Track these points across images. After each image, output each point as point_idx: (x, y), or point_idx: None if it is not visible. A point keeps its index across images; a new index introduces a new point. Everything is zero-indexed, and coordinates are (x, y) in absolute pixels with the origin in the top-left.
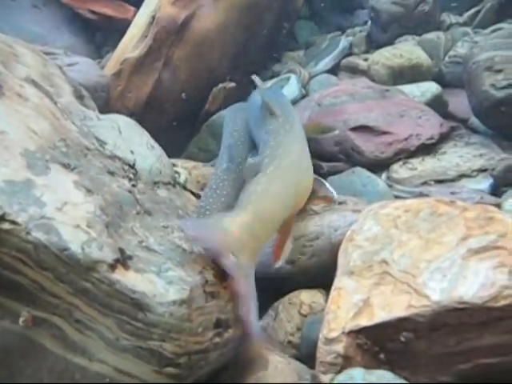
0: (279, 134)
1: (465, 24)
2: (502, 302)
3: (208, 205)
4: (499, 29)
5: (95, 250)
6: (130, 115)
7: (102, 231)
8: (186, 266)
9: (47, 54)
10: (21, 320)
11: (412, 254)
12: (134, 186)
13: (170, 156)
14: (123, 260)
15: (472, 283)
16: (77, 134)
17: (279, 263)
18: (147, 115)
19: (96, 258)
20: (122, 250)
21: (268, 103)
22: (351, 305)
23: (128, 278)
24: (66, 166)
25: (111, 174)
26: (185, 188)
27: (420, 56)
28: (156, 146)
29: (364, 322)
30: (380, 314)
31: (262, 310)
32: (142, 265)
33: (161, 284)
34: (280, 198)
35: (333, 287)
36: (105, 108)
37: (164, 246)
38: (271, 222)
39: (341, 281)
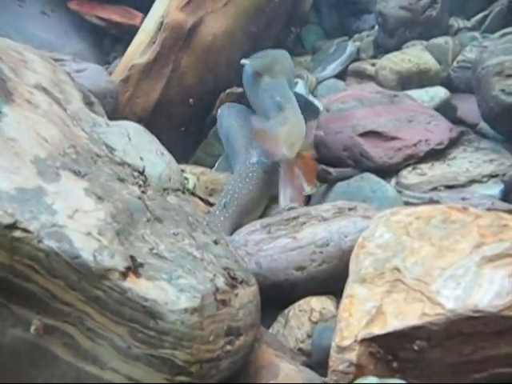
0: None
1: (473, 28)
2: None
3: (236, 191)
4: (508, 33)
5: (106, 257)
6: (139, 121)
7: (113, 239)
8: (196, 274)
9: (56, 60)
10: (32, 328)
11: (424, 261)
12: (143, 192)
13: (178, 161)
14: (134, 268)
15: (487, 291)
16: (87, 140)
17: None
18: (155, 121)
19: (107, 266)
20: (133, 258)
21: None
22: (364, 313)
23: (139, 286)
24: (77, 173)
25: (121, 180)
26: (193, 194)
27: (428, 61)
28: (165, 152)
29: (377, 330)
30: (393, 323)
31: (272, 317)
32: (153, 272)
33: (172, 292)
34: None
35: (344, 294)
36: (113, 114)
37: (175, 253)
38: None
39: (353, 288)
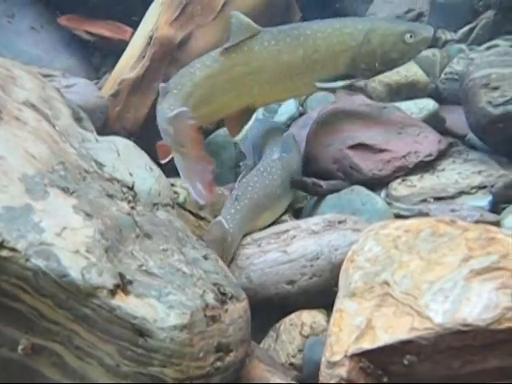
0: None
1: (460, 41)
2: (506, 325)
3: (250, 185)
4: (494, 46)
5: (95, 275)
6: (129, 135)
7: (102, 256)
8: (186, 290)
9: (45, 75)
10: (20, 348)
11: (413, 275)
12: (133, 208)
13: (169, 175)
14: (123, 285)
15: (475, 305)
16: (75, 156)
17: None
18: (145, 135)
19: (96, 284)
20: (121, 275)
21: None
22: (353, 327)
23: (128, 304)
24: (65, 190)
25: (110, 197)
26: (184, 208)
27: (416, 73)
28: (154, 167)
29: (367, 344)
30: (383, 337)
31: (264, 332)
32: (142, 289)
33: (161, 309)
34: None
35: (334, 309)
36: (103, 129)
37: (164, 269)
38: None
39: (342, 303)
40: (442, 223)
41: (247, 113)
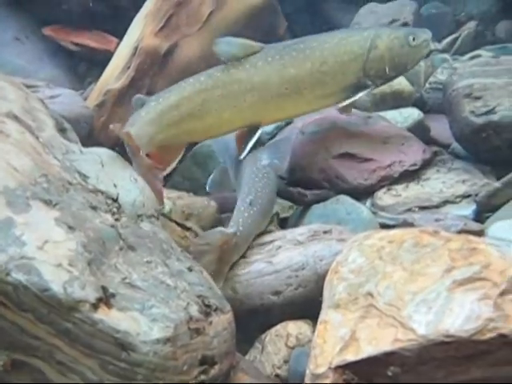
0: None
1: (444, 51)
2: (488, 335)
3: (259, 191)
4: (477, 55)
5: (77, 289)
6: (114, 146)
7: (85, 269)
8: (170, 303)
9: (29, 86)
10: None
11: (397, 286)
12: (117, 220)
13: None
14: (106, 298)
15: (458, 316)
16: (59, 168)
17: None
18: None
19: (78, 298)
20: (104, 288)
21: None
22: (337, 339)
23: (111, 317)
24: (48, 203)
25: (94, 208)
26: (170, 219)
27: (401, 82)
28: (139, 178)
29: (350, 356)
30: (366, 349)
31: (249, 343)
32: (125, 303)
33: (144, 322)
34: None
35: (319, 320)
36: (88, 139)
37: (148, 282)
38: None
39: (327, 314)
40: (425, 234)
41: (252, 130)
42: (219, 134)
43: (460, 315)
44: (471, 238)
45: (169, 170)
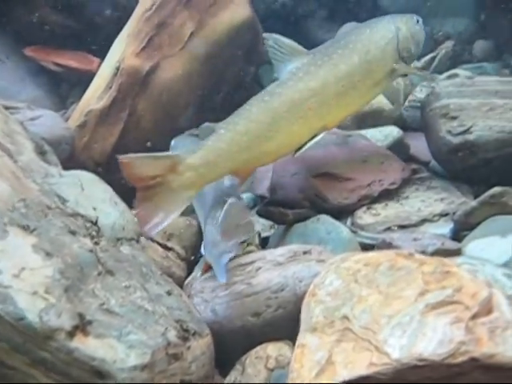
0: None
1: (423, 69)
2: (460, 358)
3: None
4: (454, 75)
5: (53, 317)
6: (96, 166)
7: (61, 296)
8: (147, 328)
9: (9, 108)
10: None
11: (372, 309)
12: (96, 243)
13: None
14: (83, 326)
15: (431, 340)
16: (38, 192)
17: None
18: (113, 165)
19: (54, 326)
20: (81, 315)
21: None
22: (314, 363)
23: (87, 345)
24: (25, 228)
25: (72, 233)
26: (151, 239)
27: (381, 101)
28: (119, 201)
29: (326, 381)
30: (342, 373)
31: (230, 365)
32: (102, 329)
33: (121, 349)
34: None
35: (296, 344)
36: (69, 160)
37: (126, 307)
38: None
39: (304, 337)
40: (400, 257)
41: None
42: (290, 151)
43: (433, 339)
44: (444, 260)
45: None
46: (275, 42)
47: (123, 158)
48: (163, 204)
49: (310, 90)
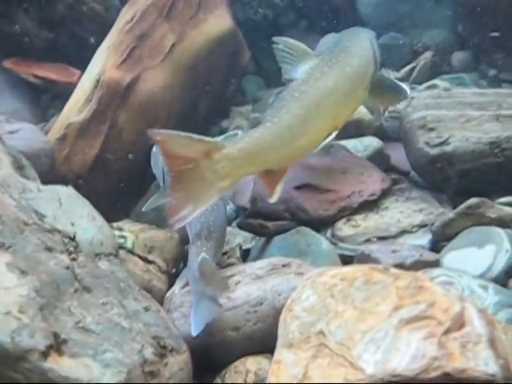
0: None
1: (402, 80)
2: (433, 374)
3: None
4: (432, 85)
5: (26, 337)
6: (77, 178)
7: (36, 315)
8: (124, 346)
9: None
10: None
11: (347, 324)
12: (73, 259)
13: (118, 217)
14: (57, 345)
15: (404, 355)
16: (14, 208)
17: (273, 200)
18: (94, 177)
19: (27, 347)
20: (56, 334)
21: None
22: (291, 378)
23: (61, 365)
24: (0, 246)
25: (49, 250)
26: (132, 253)
27: (361, 111)
28: (97, 216)
29: None
30: None
31: (210, 379)
32: (77, 349)
33: (97, 368)
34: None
35: (273, 360)
36: (49, 173)
37: (102, 324)
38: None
39: (280, 353)
40: (376, 271)
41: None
42: (314, 148)
43: (406, 354)
44: (419, 275)
45: (276, 197)
46: (285, 44)
47: (157, 135)
48: (194, 194)
49: (327, 89)
